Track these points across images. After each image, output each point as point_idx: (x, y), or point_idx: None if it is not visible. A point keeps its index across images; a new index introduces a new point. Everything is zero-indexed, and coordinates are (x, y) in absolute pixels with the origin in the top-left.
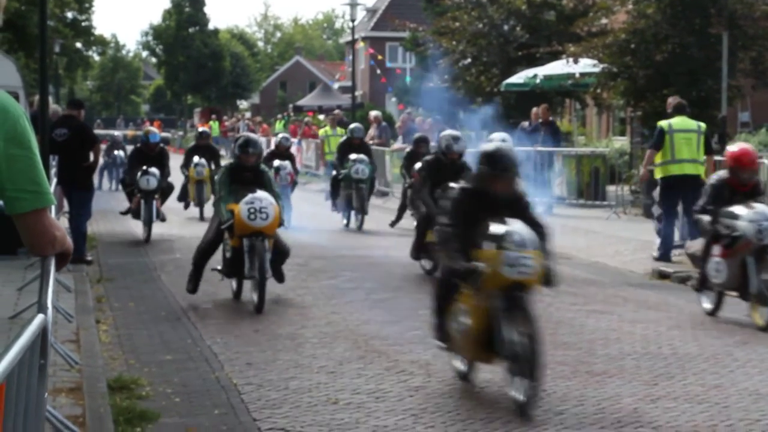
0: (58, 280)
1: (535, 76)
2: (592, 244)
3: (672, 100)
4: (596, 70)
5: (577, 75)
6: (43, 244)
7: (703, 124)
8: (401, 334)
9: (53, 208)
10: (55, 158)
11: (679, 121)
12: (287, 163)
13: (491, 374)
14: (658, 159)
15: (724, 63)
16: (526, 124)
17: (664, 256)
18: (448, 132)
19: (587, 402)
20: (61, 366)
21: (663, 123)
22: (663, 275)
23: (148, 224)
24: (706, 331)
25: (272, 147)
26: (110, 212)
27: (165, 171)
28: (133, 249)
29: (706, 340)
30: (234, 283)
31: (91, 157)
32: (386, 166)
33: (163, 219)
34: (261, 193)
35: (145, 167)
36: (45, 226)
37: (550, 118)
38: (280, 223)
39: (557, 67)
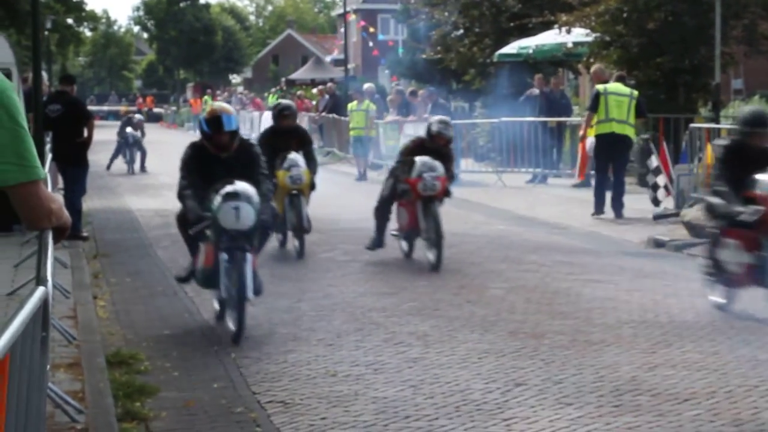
0: (55, 256)
1: (527, 46)
2: (586, 213)
3: (616, 72)
4: (589, 39)
5: (570, 45)
6: (38, 218)
7: (636, 92)
8: (398, 305)
9: (49, 182)
10: (49, 134)
11: (614, 86)
12: (439, 164)
13: (482, 344)
14: (594, 120)
15: (717, 30)
16: (536, 91)
17: (598, 210)
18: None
19: (586, 371)
20: (59, 342)
21: (599, 86)
22: (658, 244)
23: (238, 309)
24: (702, 299)
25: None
26: (105, 188)
27: (262, 188)
28: (128, 225)
29: (702, 308)
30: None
31: (85, 133)
32: (380, 138)
33: (257, 292)
34: None
35: (223, 183)
36: (40, 200)
37: (545, 89)
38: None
39: (550, 37)
